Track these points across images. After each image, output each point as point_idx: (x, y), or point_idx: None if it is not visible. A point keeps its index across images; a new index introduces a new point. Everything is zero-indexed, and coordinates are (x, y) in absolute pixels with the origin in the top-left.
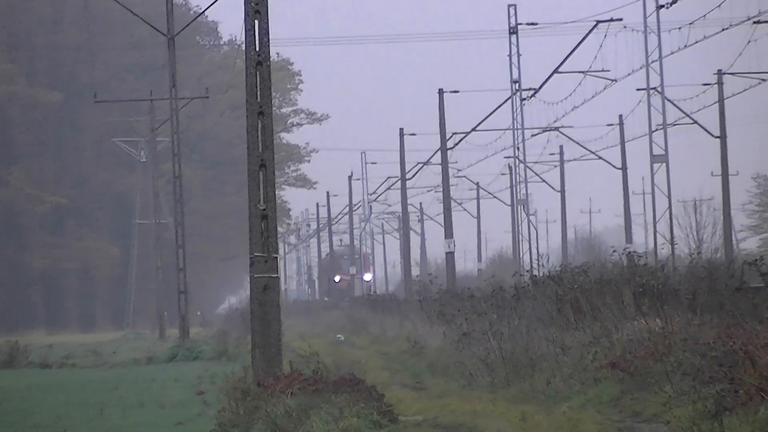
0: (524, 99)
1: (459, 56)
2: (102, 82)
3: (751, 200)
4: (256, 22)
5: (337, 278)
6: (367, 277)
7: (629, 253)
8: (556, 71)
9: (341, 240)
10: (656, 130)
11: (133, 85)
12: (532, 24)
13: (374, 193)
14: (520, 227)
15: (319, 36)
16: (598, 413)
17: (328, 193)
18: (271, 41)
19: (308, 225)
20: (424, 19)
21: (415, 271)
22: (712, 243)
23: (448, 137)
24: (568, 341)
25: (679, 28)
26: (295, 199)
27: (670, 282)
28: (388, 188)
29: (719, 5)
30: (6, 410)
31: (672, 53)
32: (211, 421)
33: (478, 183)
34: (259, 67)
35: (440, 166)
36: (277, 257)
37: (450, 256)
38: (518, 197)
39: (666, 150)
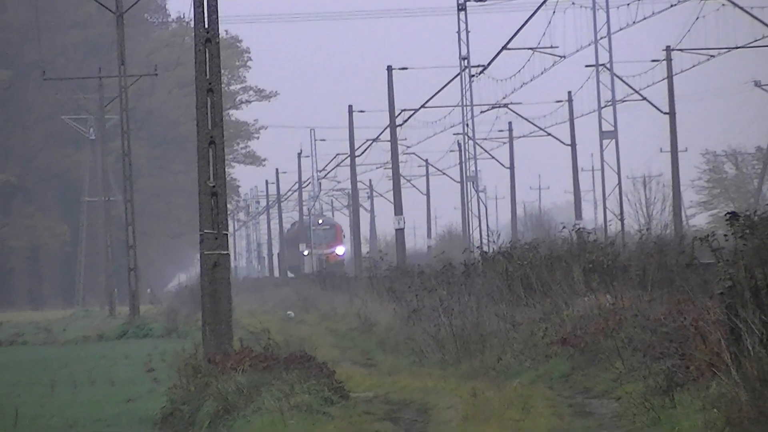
0: (473, 76)
1: (408, 33)
2: (50, 60)
3: (700, 176)
4: None
5: (305, 252)
6: (340, 250)
7: (579, 229)
8: (504, 48)
9: (309, 210)
10: (605, 106)
11: (81, 62)
12: (481, 0)
13: (323, 170)
14: (469, 204)
15: (268, 13)
16: (548, 389)
17: (277, 170)
18: (220, 18)
19: (257, 202)
20: None
21: (364, 248)
22: (661, 219)
23: (397, 114)
24: (519, 317)
25: (628, 4)
26: (244, 177)
27: (620, 258)
28: (338, 165)
29: None
30: None
31: (621, 29)
32: (161, 398)
33: (427, 160)
34: (208, 45)
35: (389, 143)
36: (227, 234)
37: (400, 232)
38: (467, 174)
39: (615, 126)
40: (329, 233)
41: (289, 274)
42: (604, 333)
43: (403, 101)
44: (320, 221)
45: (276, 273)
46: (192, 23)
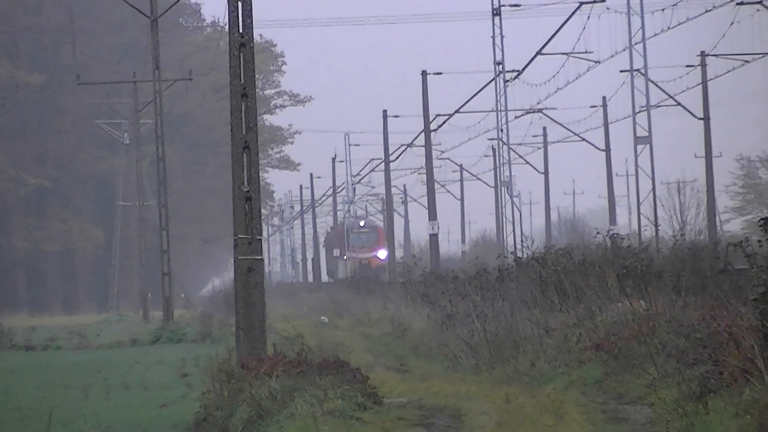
0: (507, 81)
1: (443, 38)
2: (84, 64)
3: (734, 182)
4: (240, 3)
5: (345, 256)
6: (382, 254)
7: (613, 234)
8: (539, 53)
9: (349, 210)
10: (639, 111)
11: (115, 66)
12: (515, 5)
13: (358, 175)
14: (503, 209)
15: (303, 17)
16: (582, 395)
17: (311, 175)
18: (254, 23)
19: (292, 207)
20: (409, 1)
21: (398, 253)
22: (695, 225)
23: (431, 119)
24: (552, 323)
25: (663, 9)
26: (278, 181)
27: (654, 264)
28: (372, 170)
29: None
30: None
31: (655, 35)
32: (195, 404)
33: (461, 165)
34: (243, 49)
35: (424, 148)
36: (261, 239)
37: (434, 238)
38: (502, 179)
39: (649, 132)
40: (371, 236)
41: (328, 279)
42: (637, 339)
43: (438, 106)
44: (362, 223)
45: (310, 278)
46: (226, 27)
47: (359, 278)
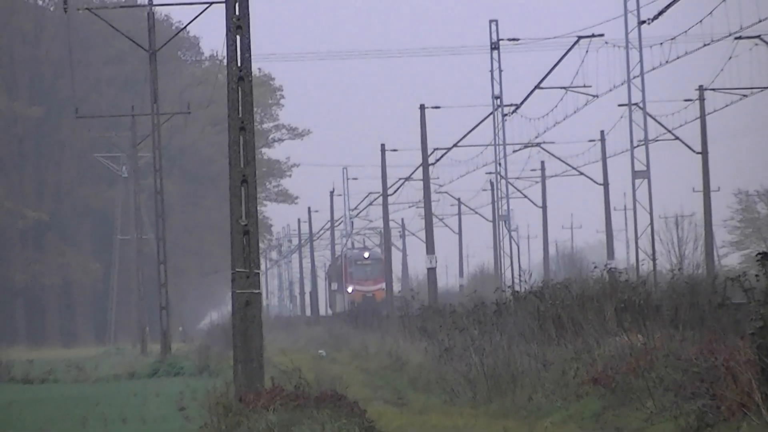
0: (506, 115)
1: (441, 72)
2: (83, 97)
3: (732, 216)
4: (238, 37)
5: (350, 289)
6: None
7: (611, 269)
8: (537, 87)
9: (347, 243)
10: (638, 146)
11: (114, 99)
12: (514, 40)
13: (356, 208)
14: (501, 243)
15: (301, 51)
16: (579, 429)
17: (309, 208)
18: (252, 56)
19: (290, 240)
20: (407, 35)
21: (396, 287)
22: (693, 259)
23: (429, 153)
24: (550, 357)
25: (661, 43)
26: (276, 215)
27: (652, 298)
28: (370, 204)
29: (701, 21)
30: None
31: (653, 69)
32: None
33: (459, 199)
34: (241, 83)
35: (422, 182)
36: (258, 273)
37: (432, 271)
38: (500, 213)
39: (648, 166)
40: (375, 267)
41: (330, 312)
42: (635, 372)
43: (436, 140)
44: (366, 255)
45: (308, 311)
46: (225, 61)
47: (357, 312)
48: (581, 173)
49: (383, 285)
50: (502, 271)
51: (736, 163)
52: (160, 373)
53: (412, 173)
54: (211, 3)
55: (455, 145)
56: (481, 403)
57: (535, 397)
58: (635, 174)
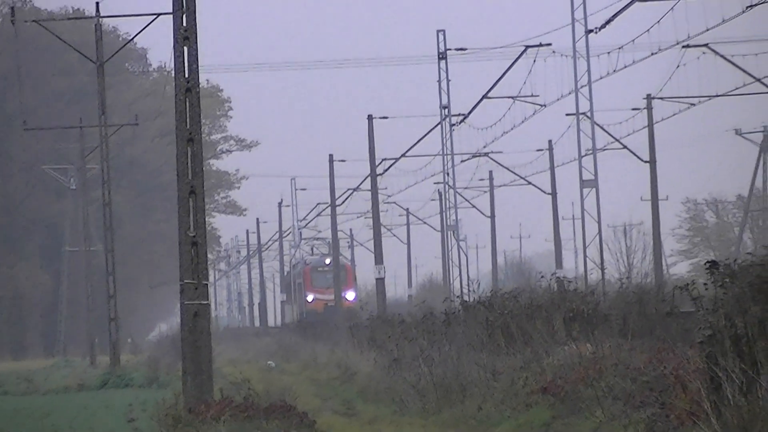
0: (454, 124)
1: (389, 82)
2: (31, 109)
3: (681, 225)
4: (186, 49)
5: (310, 297)
6: (350, 296)
7: (559, 278)
8: (485, 96)
9: (312, 248)
10: (586, 155)
11: (62, 111)
12: (461, 49)
13: (304, 219)
14: (450, 253)
15: (249, 62)
16: None
17: (257, 219)
18: (200, 68)
19: (238, 252)
20: (354, 45)
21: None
22: (642, 268)
23: (377, 163)
24: (499, 366)
25: (609, 53)
26: (225, 226)
27: (601, 307)
28: (318, 214)
29: (648, 30)
30: None
31: (601, 78)
32: None
33: (408, 209)
34: (189, 94)
35: (370, 192)
36: (207, 284)
37: (380, 282)
38: (448, 223)
39: (596, 175)
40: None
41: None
42: (584, 382)
43: (384, 150)
44: (327, 261)
45: (257, 322)
46: (173, 73)
47: (306, 323)
48: (529, 183)
49: (346, 293)
50: (451, 281)
51: (684, 172)
52: (110, 385)
53: (361, 184)
54: (159, 14)
55: (403, 155)
56: (430, 413)
57: (485, 406)
58: (583, 183)
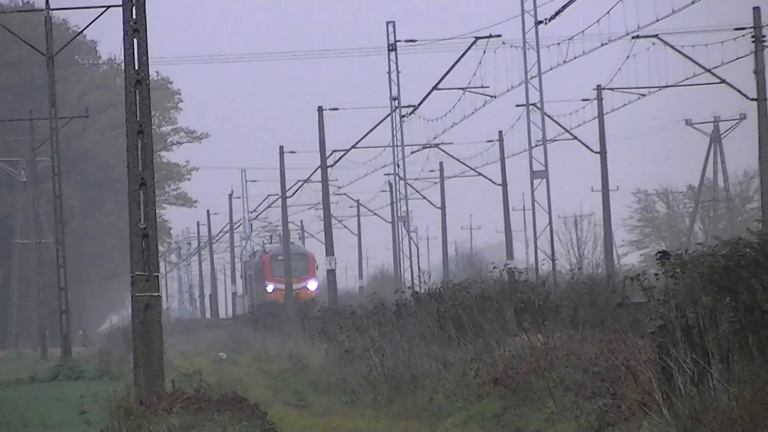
0: (404, 116)
1: (339, 74)
2: None
3: (631, 215)
4: (135, 41)
5: (270, 287)
6: (312, 285)
7: (510, 269)
8: (435, 88)
9: (271, 236)
10: (536, 146)
11: (12, 104)
12: (411, 41)
13: (255, 211)
14: (401, 244)
15: (199, 54)
16: (480, 429)
17: (208, 211)
18: (150, 60)
19: (189, 243)
20: (305, 37)
21: None
22: (593, 258)
23: (328, 155)
24: (451, 357)
25: (558, 43)
26: (175, 218)
27: (552, 298)
28: (269, 206)
29: (598, 21)
30: None
31: (551, 69)
32: None
33: (358, 200)
34: (139, 86)
35: (320, 184)
36: (158, 276)
37: (331, 273)
38: (399, 214)
39: (546, 166)
40: (300, 264)
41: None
42: (536, 373)
43: (334, 142)
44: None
45: (208, 314)
46: (122, 65)
47: (257, 314)
48: (480, 174)
49: (307, 283)
50: (402, 273)
51: (634, 163)
52: (61, 377)
53: (311, 175)
54: (109, 7)
55: (353, 147)
56: (382, 404)
57: (436, 398)
58: (534, 174)
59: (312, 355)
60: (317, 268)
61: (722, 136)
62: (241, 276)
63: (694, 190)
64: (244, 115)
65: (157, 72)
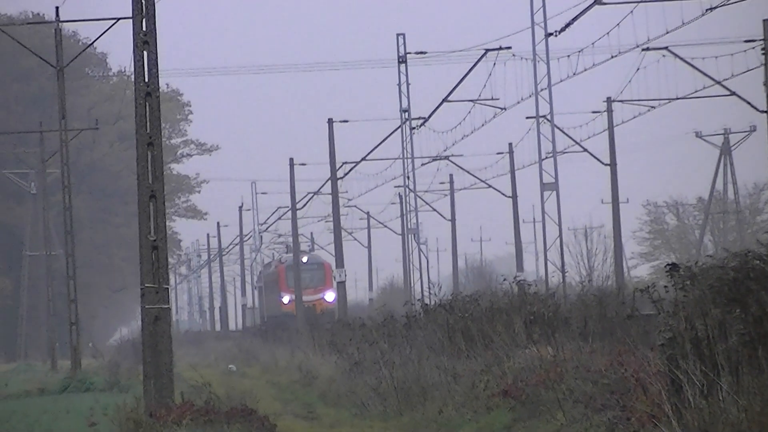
0: (414, 128)
1: (349, 86)
2: None
3: (641, 227)
4: (145, 53)
5: (286, 299)
6: (330, 296)
7: (520, 281)
8: (445, 100)
9: (287, 246)
10: (546, 158)
11: (22, 116)
12: (421, 53)
13: (265, 223)
14: (410, 256)
15: (209, 66)
16: None
17: (218, 223)
18: (160, 72)
19: (199, 256)
20: (315, 49)
21: None
22: (603, 270)
23: (338, 167)
24: (460, 370)
25: (568, 56)
26: (185, 230)
27: (561, 310)
28: (279, 218)
29: (608, 33)
30: None
31: (561, 81)
32: None
33: (368, 212)
34: (149, 98)
35: (330, 196)
36: (167, 288)
37: (341, 285)
38: (409, 226)
39: (556, 178)
40: (316, 274)
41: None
42: (545, 385)
43: (345, 154)
44: (304, 259)
45: (218, 326)
46: (132, 77)
47: (266, 326)
48: (490, 186)
49: (324, 294)
50: (412, 285)
51: (644, 175)
52: (71, 389)
53: (321, 187)
54: (119, 19)
55: (363, 159)
56: (391, 416)
57: (446, 410)
58: (544, 186)
59: (321, 367)
60: (335, 279)
61: (732, 148)
62: (255, 287)
63: (704, 203)
64: (254, 128)
65: (167, 84)
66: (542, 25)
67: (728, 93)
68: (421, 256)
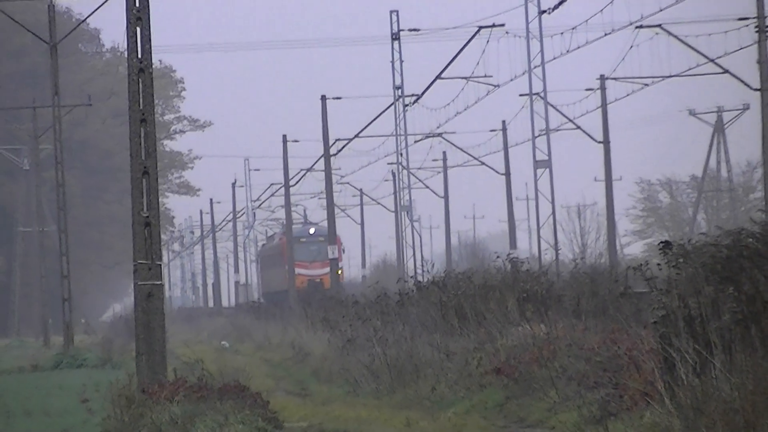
0: (407, 105)
1: (343, 63)
2: None
3: (635, 205)
4: (138, 29)
5: (296, 270)
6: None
7: (513, 258)
8: (438, 77)
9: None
10: (539, 135)
11: (15, 92)
12: (414, 30)
13: (258, 199)
14: (403, 233)
15: (202, 43)
16: (483, 419)
17: (211, 200)
18: (153, 48)
19: (192, 232)
20: (308, 26)
21: None
22: (596, 248)
23: (331, 144)
24: (453, 347)
25: (562, 33)
26: (178, 207)
27: (554, 288)
28: (272, 195)
29: (601, 10)
30: None
31: (555, 58)
32: (96, 429)
33: (361, 189)
34: (142, 75)
35: (323, 173)
36: (160, 264)
37: (334, 262)
38: (402, 203)
39: (549, 155)
40: (324, 247)
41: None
42: (538, 362)
43: (338, 131)
44: (311, 231)
45: (211, 303)
46: (125, 53)
47: (259, 303)
48: (483, 163)
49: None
50: (405, 262)
51: (637, 152)
52: (63, 366)
53: (314, 164)
54: None
55: (357, 136)
56: (384, 393)
57: (438, 387)
58: (537, 164)
59: (314, 344)
60: (344, 251)
61: (725, 126)
62: (255, 260)
63: (697, 180)
64: (247, 104)
65: (160, 60)
66: (536, 2)
67: (721, 71)
68: (414, 233)
